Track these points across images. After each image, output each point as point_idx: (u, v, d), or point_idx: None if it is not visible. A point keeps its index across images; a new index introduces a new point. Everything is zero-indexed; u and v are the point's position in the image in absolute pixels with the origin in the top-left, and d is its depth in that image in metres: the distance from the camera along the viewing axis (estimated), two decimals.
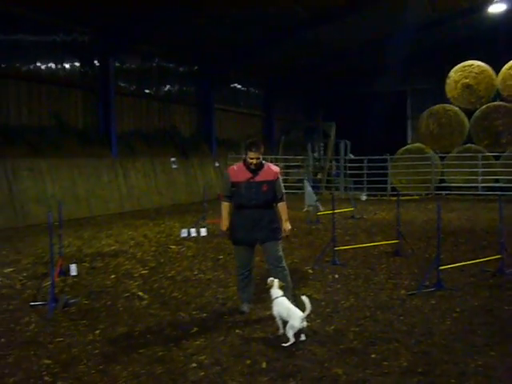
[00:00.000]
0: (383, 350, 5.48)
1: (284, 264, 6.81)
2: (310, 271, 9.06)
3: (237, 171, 6.71)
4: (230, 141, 27.11)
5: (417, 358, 5.27)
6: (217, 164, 25.24)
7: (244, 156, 6.72)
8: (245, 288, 6.90)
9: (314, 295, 7.50)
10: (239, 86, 29.27)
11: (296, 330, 5.65)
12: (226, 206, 6.82)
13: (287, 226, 6.83)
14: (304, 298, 5.80)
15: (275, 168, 6.77)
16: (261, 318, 6.52)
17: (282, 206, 6.82)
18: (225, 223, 6.81)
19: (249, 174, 6.61)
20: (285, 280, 6.61)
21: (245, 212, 6.66)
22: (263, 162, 6.72)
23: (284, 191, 6.84)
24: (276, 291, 6.12)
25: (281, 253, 6.80)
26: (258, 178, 6.59)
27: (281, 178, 6.82)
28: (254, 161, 6.54)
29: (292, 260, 9.91)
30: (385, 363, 5.14)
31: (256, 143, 6.60)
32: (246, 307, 6.85)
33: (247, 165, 6.63)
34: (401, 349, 5.50)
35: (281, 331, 5.85)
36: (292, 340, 5.62)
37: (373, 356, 5.32)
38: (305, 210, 17.40)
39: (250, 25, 21.85)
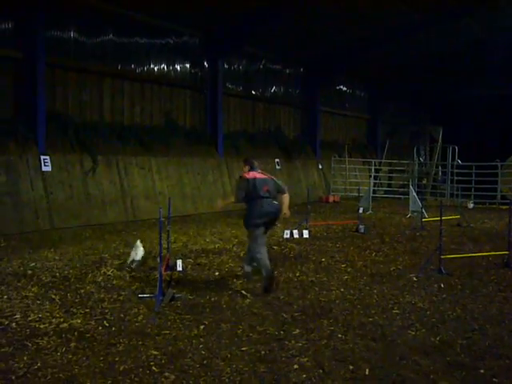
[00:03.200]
0: (493, 365, 5.24)
1: None
2: (415, 279, 8.82)
3: None
4: (334, 143, 27.00)
5: None
6: (320, 166, 25.19)
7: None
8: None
9: (418, 303, 7.33)
10: (344, 89, 29.07)
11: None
12: None
13: None
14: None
15: None
16: (363, 324, 6.44)
17: None
18: None
19: None
20: None
21: None
22: None
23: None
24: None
25: None
26: None
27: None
28: None
29: (396, 266, 9.72)
30: (495, 380, 4.92)
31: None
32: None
33: None
34: None
35: None
36: None
37: (482, 371, 5.10)
38: (409, 215, 17.05)
39: (357, 27, 21.63)
